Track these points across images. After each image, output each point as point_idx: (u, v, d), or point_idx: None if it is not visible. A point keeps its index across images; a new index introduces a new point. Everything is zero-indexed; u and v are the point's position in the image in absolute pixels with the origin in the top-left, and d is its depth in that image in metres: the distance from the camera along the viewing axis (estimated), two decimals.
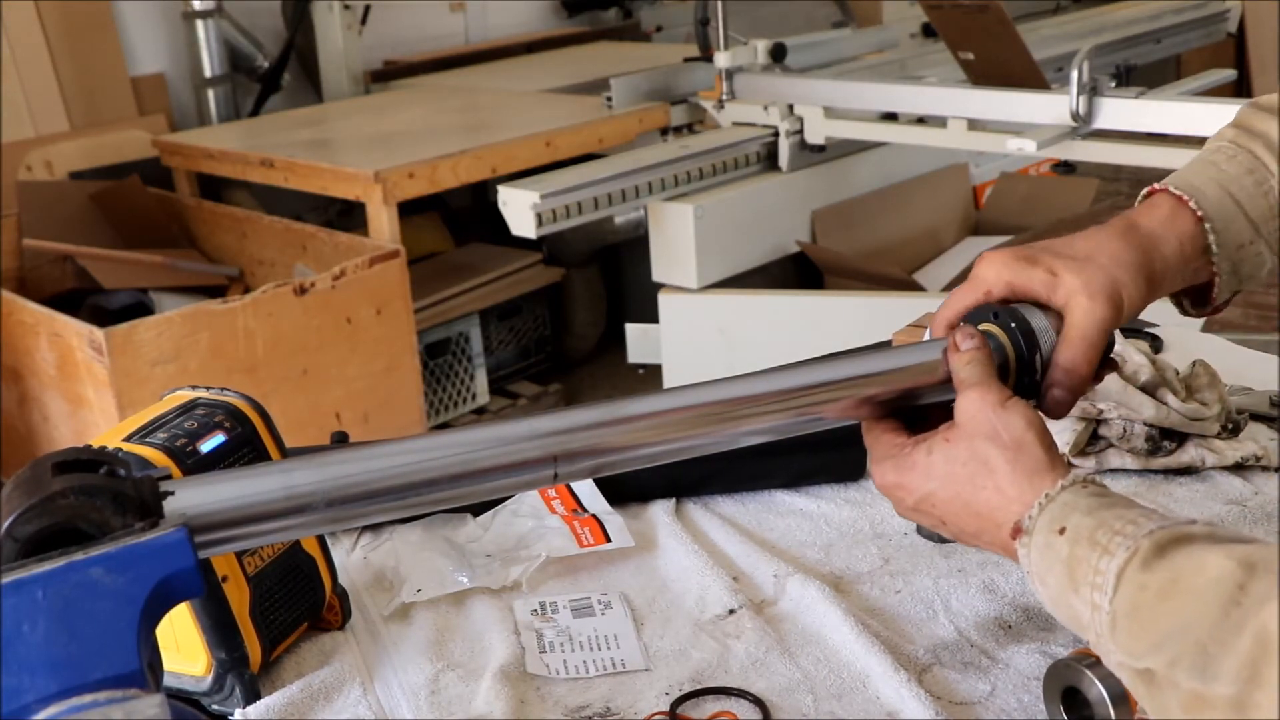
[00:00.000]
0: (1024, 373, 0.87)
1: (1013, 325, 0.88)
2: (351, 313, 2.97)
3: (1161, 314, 1.96)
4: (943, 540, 1.16)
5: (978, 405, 0.82)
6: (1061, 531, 0.75)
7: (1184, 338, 1.57)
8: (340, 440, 1.24)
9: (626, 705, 0.96)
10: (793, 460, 1.25)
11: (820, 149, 3.43)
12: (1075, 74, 2.80)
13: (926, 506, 0.84)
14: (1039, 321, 0.87)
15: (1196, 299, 0.96)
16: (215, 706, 0.96)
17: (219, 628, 0.94)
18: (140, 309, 3.23)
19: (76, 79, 3.93)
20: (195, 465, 0.91)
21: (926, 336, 0.94)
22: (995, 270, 0.90)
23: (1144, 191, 0.95)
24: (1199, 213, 0.91)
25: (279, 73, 4.27)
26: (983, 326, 0.88)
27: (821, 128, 3.37)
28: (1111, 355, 0.97)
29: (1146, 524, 0.72)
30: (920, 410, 0.89)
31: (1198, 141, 1.22)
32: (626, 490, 1.24)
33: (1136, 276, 0.88)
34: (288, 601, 1.00)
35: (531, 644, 1.03)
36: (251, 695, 0.96)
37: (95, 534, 0.63)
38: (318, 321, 2.91)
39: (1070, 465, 0.79)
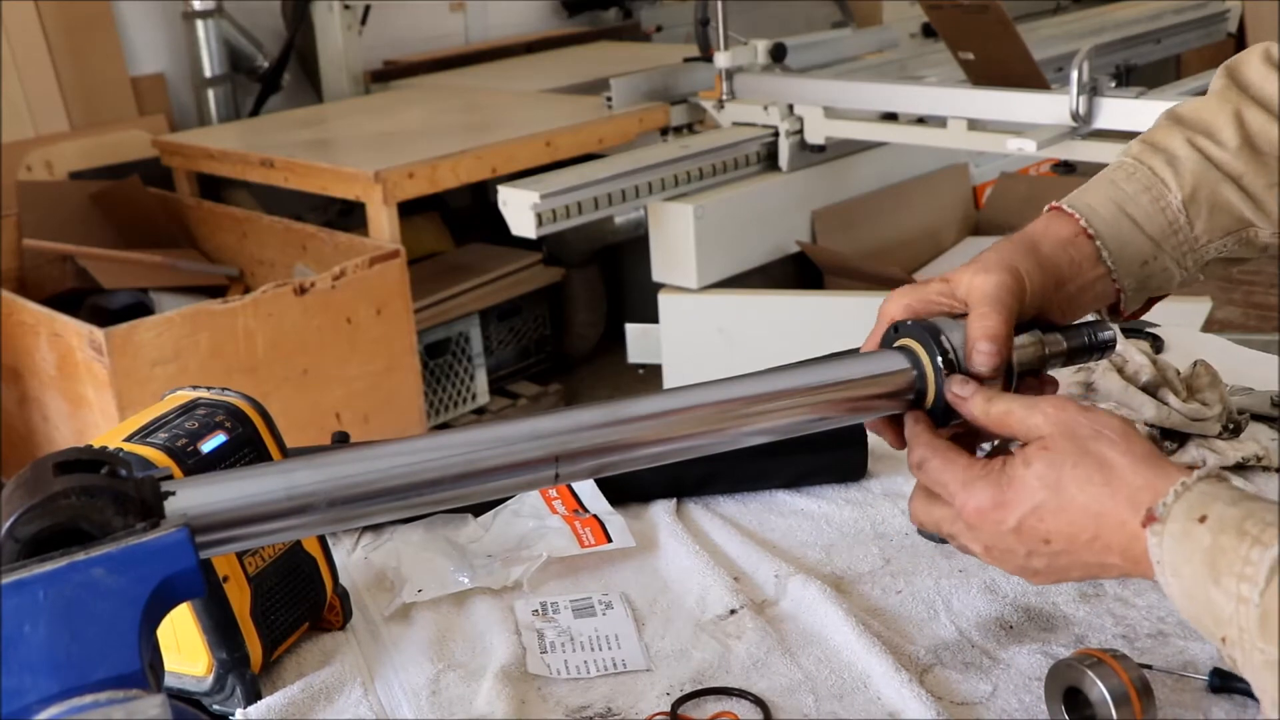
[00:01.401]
0: (942, 354, 0.87)
1: (909, 324, 0.89)
2: (351, 313, 2.97)
3: (1162, 314, 1.97)
4: (944, 540, 1.16)
5: (1064, 409, 0.79)
6: (1203, 520, 0.70)
7: (1185, 338, 1.57)
8: (341, 440, 1.24)
9: (628, 705, 0.96)
10: (794, 460, 1.25)
11: (820, 149, 3.43)
12: (1075, 74, 2.80)
13: (1033, 521, 0.78)
14: (943, 321, 0.88)
15: (1112, 307, 0.97)
16: (216, 707, 0.96)
17: (220, 628, 0.94)
18: (140, 309, 3.23)
19: (76, 79, 3.93)
20: (196, 465, 0.91)
21: None
22: (893, 302, 0.92)
23: (1046, 208, 0.96)
24: (1089, 231, 0.92)
25: (279, 73, 4.27)
26: (897, 344, 0.89)
27: (821, 128, 3.38)
28: (1111, 356, 0.98)
29: None
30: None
31: None
32: (628, 490, 1.24)
33: (1026, 258, 0.90)
34: (289, 602, 1.00)
35: (532, 644, 1.03)
36: (252, 695, 0.96)
37: (97, 534, 0.63)
38: (318, 321, 2.91)
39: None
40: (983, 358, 0.86)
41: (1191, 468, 0.74)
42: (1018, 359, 0.90)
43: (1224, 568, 0.67)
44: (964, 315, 0.89)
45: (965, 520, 0.82)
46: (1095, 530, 0.75)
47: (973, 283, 0.88)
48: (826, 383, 0.86)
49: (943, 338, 0.87)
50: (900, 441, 0.91)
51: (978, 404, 0.84)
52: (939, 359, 0.86)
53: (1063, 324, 0.93)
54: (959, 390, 0.85)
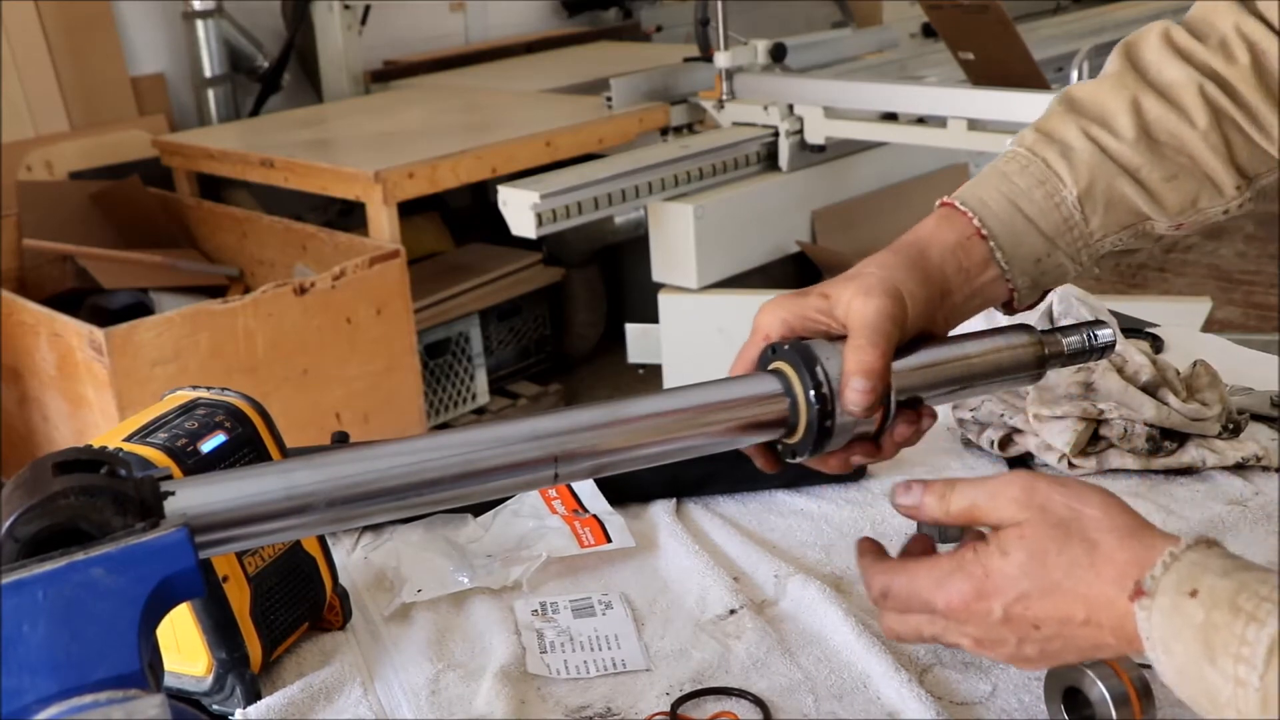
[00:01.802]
0: (815, 388, 0.81)
1: (786, 347, 0.84)
2: (351, 313, 2.97)
3: (1162, 314, 1.97)
4: (944, 540, 1.16)
5: (1034, 490, 0.74)
6: (1194, 594, 0.65)
7: (1185, 338, 1.58)
8: (341, 440, 1.24)
9: (627, 705, 0.96)
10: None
11: (820, 149, 3.43)
12: (1075, 74, 2.80)
13: (1019, 609, 0.72)
14: (820, 346, 0.83)
15: (1005, 305, 0.93)
16: (216, 707, 0.96)
17: (219, 628, 0.94)
18: (140, 309, 3.23)
19: (76, 79, 3.93)
20: (196, 465, 0.91)
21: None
22: (769, 314, 0.87)
23: (937, 203, 0.92)
24: (983, 231, 0.89)
25: (279, 73, 4.27)
26: (771, 367, 0.84)
27: (821, 128, 3.37)
28: (1088, 362, 0.96)
29: None
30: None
31: None
32: (627, 490, 1.24)
33: (910, 274, 0.86)
34: (288, 601, 1.00)
35: (532, 644, 1.03)
36: (252, 695, 0.96)
37: (96, 534, 0.63)
38: (318, 321, 2.91)
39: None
40: (857, 395, 0.81)
41: (1178, 537, 0.70)
42: (1010, 360, 0.90)
43: (1219, 647, 0.64)
44: (842, 339, 0.83)
45: (947, 616, 0.76)
46: (1086, 613, 0.71)
47: (852, 305, 0.83)
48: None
49: (818, 368, 0.81)
50: (772, 463, 0.87)
51: (932, 507, 0.78)
52: (812, 392, 0.81)
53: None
54: (903, 500, 0.79)
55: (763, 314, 0.87)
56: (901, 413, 0.85)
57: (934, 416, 0.88)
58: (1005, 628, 0.73)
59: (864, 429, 0.84)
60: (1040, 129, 0.94)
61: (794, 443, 0.83)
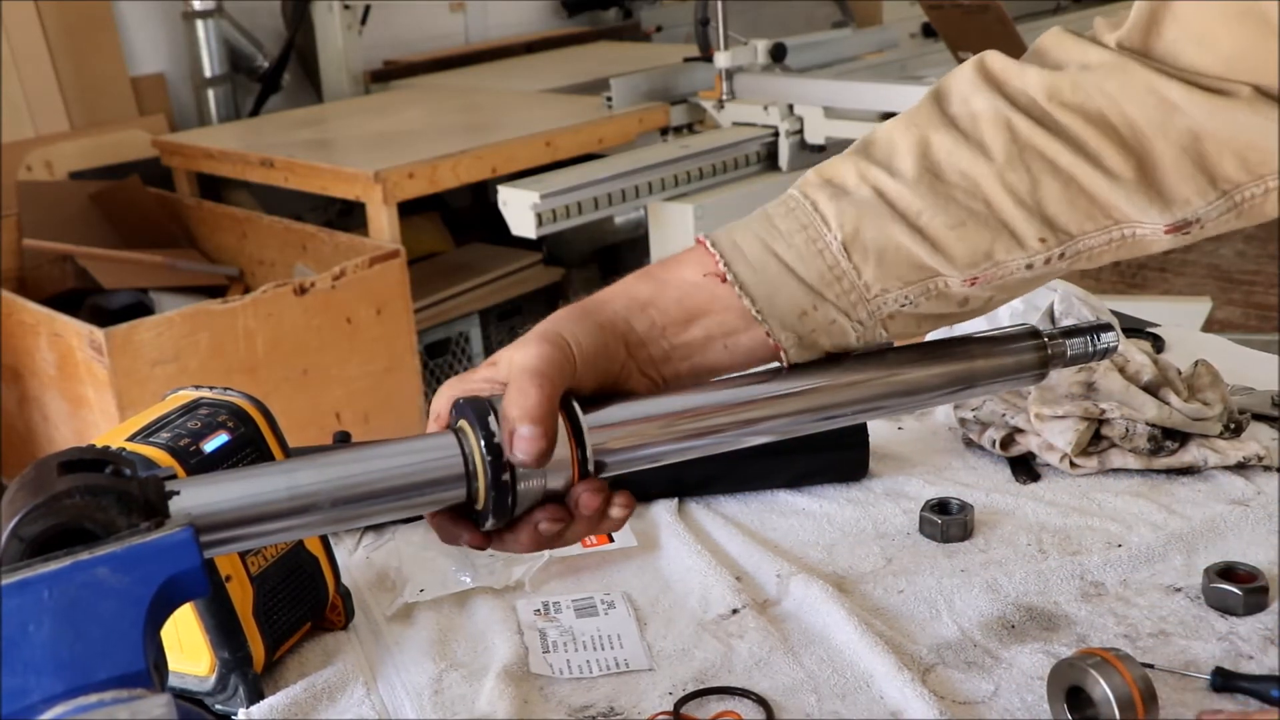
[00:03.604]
0: (488, 439, 0.73)
1: (460, 402, 0.75)
2: (351, 313, 2.97)
3: (1163, 314, 1.97)
4: (946, 539, 1.16)
5: None
6: None
7: (1186, 338, 1.58)
8: (343, 440, 1.24)
9: (630, 705, 0.96)
10: (795, 460, 1.25)
11: (820, 149, 3.42)
12: None
13: None
14: (497, 399, 0.75)
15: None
16: (219, 706, 0.96)
17: (222, 627, 0.94)
18: (140, 309, 3.23)
19: (76, 79, 3.93)
20: (199, 465, 0.91)
21: None
22: (440, 397, 0.78)
23: (696, 239, 0.82)
24: (726, 275, 0.78)
25: (279, 73, 4.26)
26: (457, 426, 0.76)
27: (821, 128, 3.37)
28: (1089, 363, 0.90)
29: None
30: None
31: None
32: (629, 490, 1.24)
33: (576, 321, 0.77)
34: (291, 601, 1.00)
35: (535, 644, 1.03)
36: (255, 695, 0.96)
37: (101, 534, 0.62)
38: (318, 321, 2.91)
39: None
40: (524, 443, 0.71)
41: None
42: (1013, 363, 0.89)
43: None
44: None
45: None
46: None
47: (511, 359, 0.75)
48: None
49: (490, 419, 0.73)
50: (458, 533, 0.76)
51: None
52: (483, 442, 0.73)
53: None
54: None
55: (435, 400, 0.78)
56: (589, 480, 0.76)
57: (627, 507, 0.78)
58: None
59: (554, 485, 0.75)
60: (821, 172, 0.82)
61: (479, 506, 0.75)
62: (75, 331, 2.71)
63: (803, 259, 0.79)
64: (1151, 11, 0.78)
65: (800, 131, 3.41)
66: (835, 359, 0.83)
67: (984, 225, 0.78)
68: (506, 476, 0.73)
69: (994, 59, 0.81)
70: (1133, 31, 0.79)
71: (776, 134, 3.42)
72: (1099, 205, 0.77)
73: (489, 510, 0.74)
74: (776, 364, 0.82)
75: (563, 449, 0.74)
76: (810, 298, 0.79)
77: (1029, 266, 0.79)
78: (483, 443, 0.73)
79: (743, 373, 0.84)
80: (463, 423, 0.75)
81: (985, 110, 0.79)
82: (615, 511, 0.77)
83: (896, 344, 0.87)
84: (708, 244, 0.80)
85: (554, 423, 0.73)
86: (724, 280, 0.78)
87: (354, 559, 1.18)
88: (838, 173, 0.81)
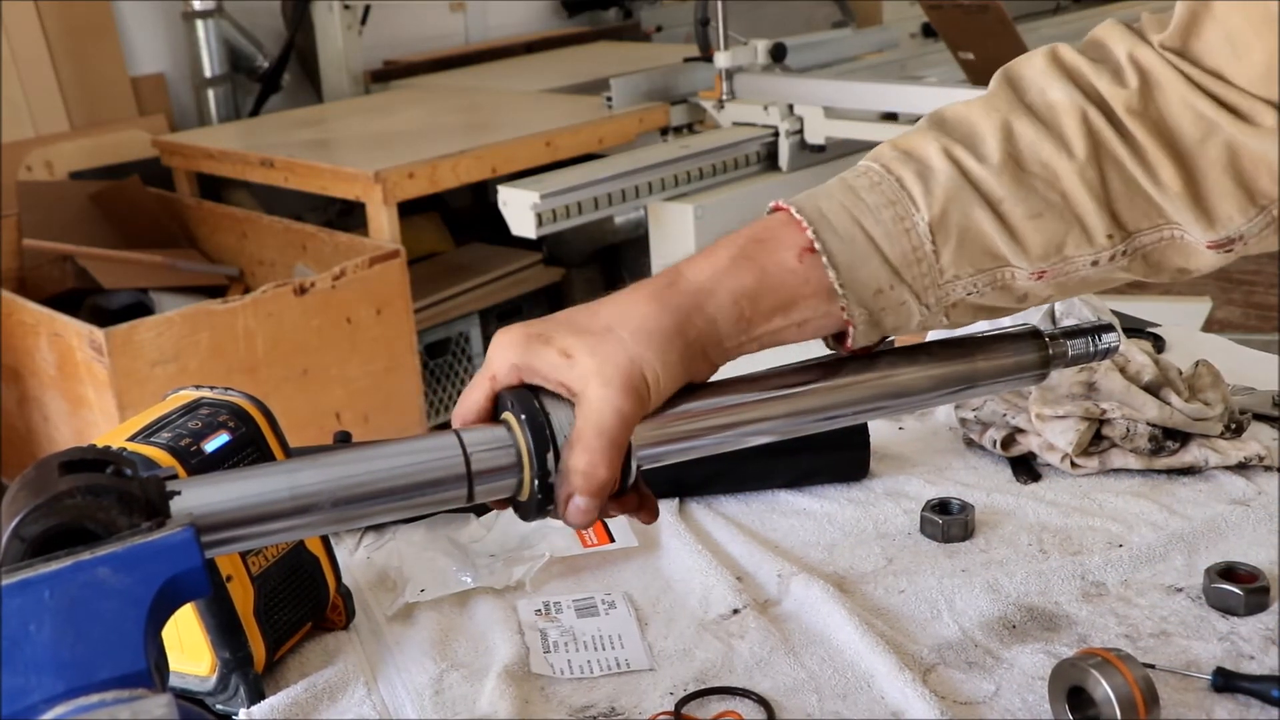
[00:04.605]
0: (541, 474, 0.74)
1: (523, 417, 0.74)
2: (351, 313, 2.97)
3: (1164, 314, 1.97)
4: (947, 539, 1.16)
5: None
6: None
7: (1186, 338, 1.58)
8: (343, 440, 1.24)
9: (631, 705, 0.96)
10: (796, 460, 1.25)
11: (820, 149, 3.42)
12: None
13: None
14: (559, 415, 0.74)
15: (837, 337, 0.81)
16: (220, 706, 0.96)
17: (223, 627, 0.94)
18: (140, 309, 3.23)
19: (76, 79, 3.93)
20: (199, 465, 0.91)
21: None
22: (502, 353, 0.76)
23: (770, 206, 0.81)
24: (815, 245, 0.77)
25: (279, 73, 4.26)
26: (503, 417, 0.76)
27: (821, 128, 3.37)
28: (1090, 364, 0.92)
29: None
30: None
31: None
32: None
33: (666, 348, 0.75)
34: (292, 601, 1.00)
35: (535, 644, 1.03)
36: (256, 695, 0.96)
37: (102, 534, 0.62)
38: (318, 321, 2.91)
39: None
40: (578, 514, 0.73)
41: None
42: (1014, 363, 0.89)
43: None
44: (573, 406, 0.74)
45: None
46: None
47: (588, 389, 0.73)
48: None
49: (549, 456, 0.73)
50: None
51: None
52: (538, 482, 0.74)
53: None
54: None
55: (496, 348, 0.77)
56: (628, 498, 0.78)
57: (653, 514, 0.81)
58: None
59: None
60: (898, 145, 0.81)
61: (522, 499, 0.76)
62: (75, 331, 2.71)
63: (889, 236, 0.77)
64: (1192, 12, 0.79)
65: (800, 131, 3.41)
66: (839, 359, 0.83)
67: (1059, 218, 0.78)
68: (551, 508, 0.75)
69: (1065, 51, 0.82)
70: (1174, 32, 0.80)
71: (776, 134, 3.41)
72: (1154, 206, 0.79)
73: (533, 506, 0.75)
74: (827, 355, 0.82)
75: None
76: (889, 276, 0.77)
77: (1094, 264, 0.79)
78: (537, 481, 0.74)
79: (742, 374, 0.84)
80: (509, 417, 0.75)
81: (1063, 102, 0.79)
82: (643, 517, 0.81)
83: (897, 343, 0.87)
84: (793, 210, 0.78)
85: (612, 488, 0.74)
86: (811, 251, 0.77)
87: (355, 559, 1.18)
88: (917, 147, 0.80)
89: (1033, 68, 0.82)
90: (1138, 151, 0.78)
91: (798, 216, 0.78)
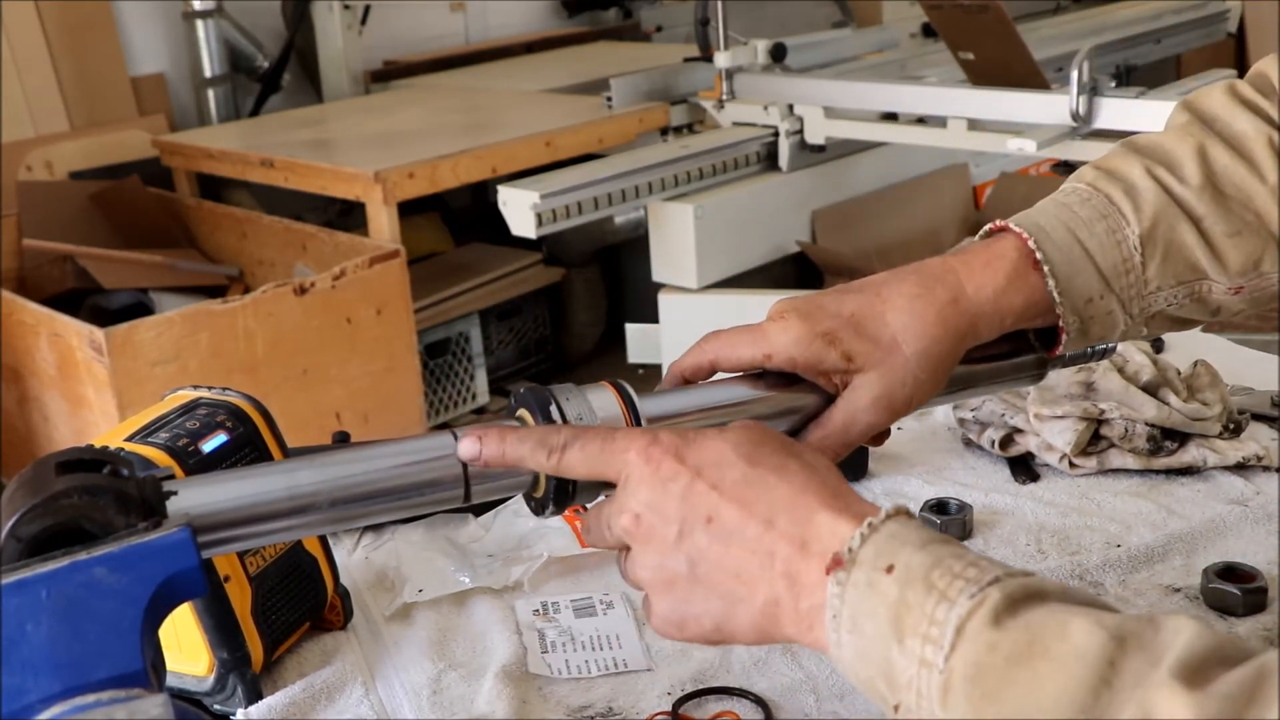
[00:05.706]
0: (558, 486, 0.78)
1: (539, 419, 0.79)
2: (351, 313, 2.97)
3: None
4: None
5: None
6: (890, 570, 0.62)
7: (1185, 338, 1.57)
8: (342, 440, 1.24)
9: (629, 705, 0.96)
10: None
11: (820, 149, 3.43)
12: (1075, 74, 2.80)
13: (713, 477, 0.68)
14: (573, 411, 0.78)
15: (1044, 339, 0.89)
16: (217, 706, 0.96)
17: (221, 627, 0.94)
18: (140, 309, 3.23)
19: (76, 79, 3.93)
20: (197, 465, 0.91)
21: (719, 376, 0.86)
22: (786, 339, 0.82)
23: (985, 228, 0.87)
24: (1037, 255, 0.83)
25: (279, 73, 4.27)
26: (519, 414, 0.81)
27: (821, 128, 3.38)
28: (1088, 364, 0.95)
29: (991, 569, 0.60)
30: None
31: None
32: None
33: (939, 373, 0.82)
34: (290, 601, 1.00)
35: (533, 644, 1.03)
36: (253, 695, 0.96)
37: (99, 534, 0.63)
38: (318, 321, 2.91)
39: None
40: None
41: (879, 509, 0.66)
42: (1011, 363, 0.90)
43: (909, 627, 0.60)
44: (828, 400, 0.83)
45: (632, 469, 0.70)
46: (776, 517, 0.66)
47: (857, 397, 0.81)
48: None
49: (552, 409, 0.78)
50: None
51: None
52: (554, 480, 0.76)
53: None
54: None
55: (780, 331, 0.82)
56: None
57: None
58: (681, 502, 0.68)
59: None
60: (1101, 167, 0.89)
61: (538, 495, 0.79)
62: (75, 331, 2.71)
63: (1103, 248, 0.84)
64: None
65: (800, 131, 3.41)
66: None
67: (1256, 235, 0.85)
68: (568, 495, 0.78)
69: (1241, 86, 0.90)
70: None
71: (776, 134, 3.42)
72: None
73: (549, 499, 0.77)
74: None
75: None
76: (1100, 286, 0.84)
77: None
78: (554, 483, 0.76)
79: (742, 374, 0.85)
80: (523, 413, 0.79)
81: (1251, 131, 0.87)
82: None
83: None
84: (1013, 225, 0.84)
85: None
86: (1034, 262, 0.82)
87: (353, 559, 1.18)
88: (1120, 168, 0.87)
89: (1215, 102, 0.90)
90: None
91: (1019, 229, 0.84)
